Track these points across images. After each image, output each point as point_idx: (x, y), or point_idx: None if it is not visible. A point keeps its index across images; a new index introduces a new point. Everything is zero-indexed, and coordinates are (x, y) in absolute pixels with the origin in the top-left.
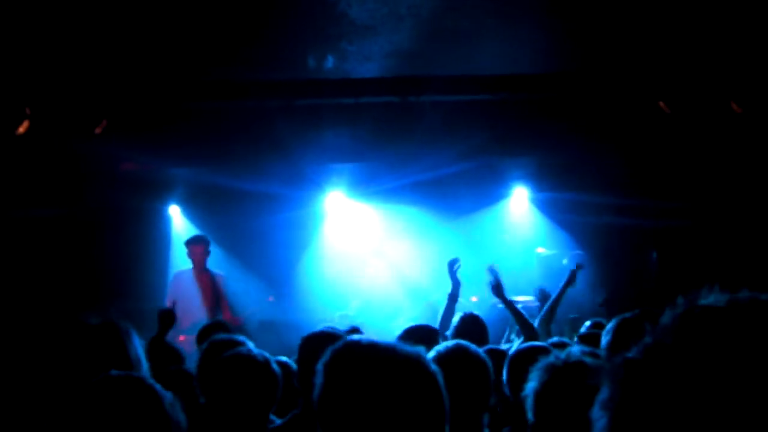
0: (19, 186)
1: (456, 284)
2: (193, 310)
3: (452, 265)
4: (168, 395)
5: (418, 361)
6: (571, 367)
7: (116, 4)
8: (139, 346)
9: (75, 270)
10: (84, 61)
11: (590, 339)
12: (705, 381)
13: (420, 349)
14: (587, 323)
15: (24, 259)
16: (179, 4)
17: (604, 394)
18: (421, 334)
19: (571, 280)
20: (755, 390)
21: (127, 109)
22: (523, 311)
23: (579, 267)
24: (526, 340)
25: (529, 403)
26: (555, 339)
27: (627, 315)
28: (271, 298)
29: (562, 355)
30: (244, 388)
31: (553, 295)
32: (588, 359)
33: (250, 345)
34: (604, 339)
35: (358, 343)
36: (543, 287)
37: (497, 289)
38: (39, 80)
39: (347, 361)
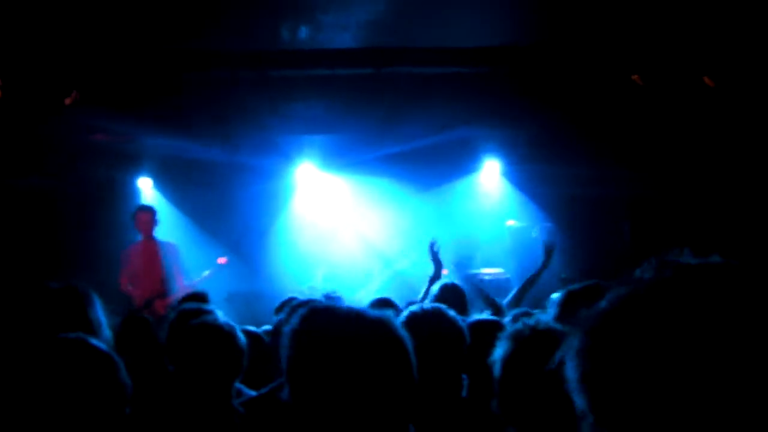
0: None
1: (438, 267)
2: (146, 281)
3: (432, 247)
4: (115, 357)
5: (387, 325)
6: (540, 334)
7: None
8: (100, 309)
9: (41, 241)
10: (52, 29)
11: None
12: (676, 331)
13: (388, 313)
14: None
15: None
16: None
17: (574, 344)
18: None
19: (545, 265)
20: (724, 343)
21: (96, 80)
22: (492, 284)
23: (551, 247)
24: (492, 314)
25: (496, 369)
26: (522, 309)
27: (574, 287)
28: (223, 259)
29: (531, 322)
30: (209, 356)
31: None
32: (556, 325)
33: (218, 314)
34: (551, 311)
35: (325, 309)
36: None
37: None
38: (6, 50)
39: (316, 326)
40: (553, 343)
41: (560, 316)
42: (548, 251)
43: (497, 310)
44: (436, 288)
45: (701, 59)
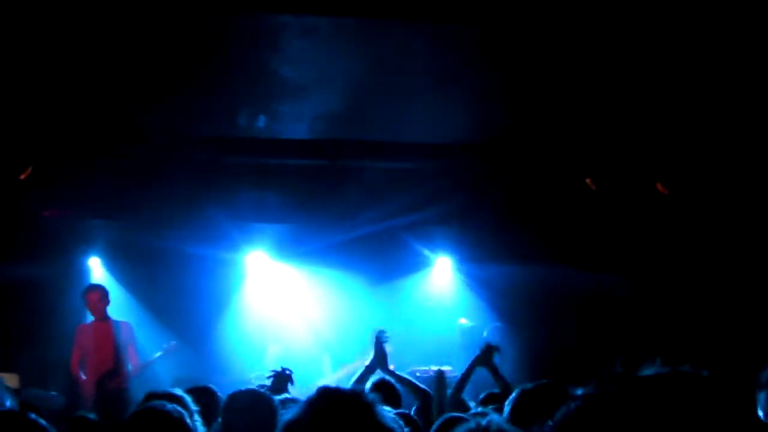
0: None
1: (378, 356)
2: (97, 360)
3: (379, 337)
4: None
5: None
6: None
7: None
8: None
9: None
10: (10, 104)
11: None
12: None
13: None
14: (482, 395)
15: None
16: (109, 51)
17: None
18: None
19: (480, 360)
20: None
21: (49, 155)
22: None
23: (489, 349)
24: (420, 405)
25: None
26: (478, 409)
27: (527, 386)
28: (173, 343)
29: (483, 422)
30: None
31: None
32: (508, 427)
33: (187, 400)
34: (506, 408)
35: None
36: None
37: (381, 362)
38: None
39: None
40: None
41: (515, 415)
42: (486, 349)
43: (426, 399)
44: (368, 385)
45: (655, 166)
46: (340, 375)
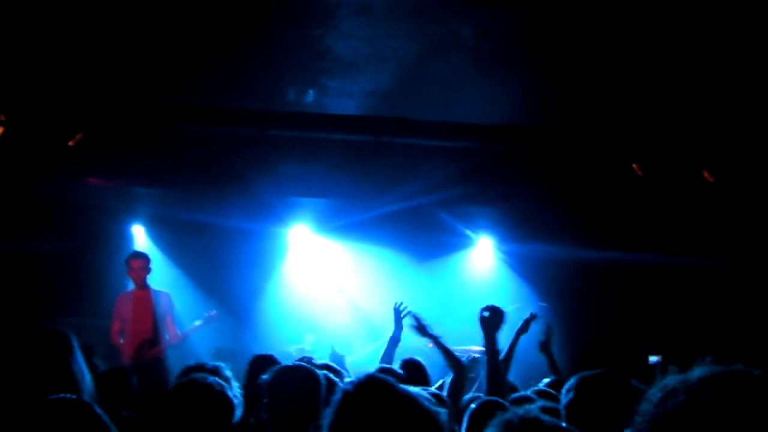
0: None
1: (399, 329)
2: (136, 329)
3: (398, 310)
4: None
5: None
6: (527, 423)
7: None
8: (81, 357)
9: (34, 292)
10: (60, 76)
11: (547, 396)
12: None
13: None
14: (545, 380)
15: None
16: (160, 24)
17: None
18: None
19: (523, 329)
20: None
21: (97, 126)
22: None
23: (533, 317)
24: (455, 378)
25: None
26: (517, 395)
27: (587, 374)
28: (213, 312)
29: (520, 411)
30: (196, 412)
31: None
32: (545, 417)
33: (226, 373)
34: (565, 398)
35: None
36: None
37: (421, 330)
38: (16, 89)
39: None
40: None
41: (575, 404)
42: (526, 321)
43: (460, 372)
44: (397, 365)
45: (702, 154)
46: (368, 350)
